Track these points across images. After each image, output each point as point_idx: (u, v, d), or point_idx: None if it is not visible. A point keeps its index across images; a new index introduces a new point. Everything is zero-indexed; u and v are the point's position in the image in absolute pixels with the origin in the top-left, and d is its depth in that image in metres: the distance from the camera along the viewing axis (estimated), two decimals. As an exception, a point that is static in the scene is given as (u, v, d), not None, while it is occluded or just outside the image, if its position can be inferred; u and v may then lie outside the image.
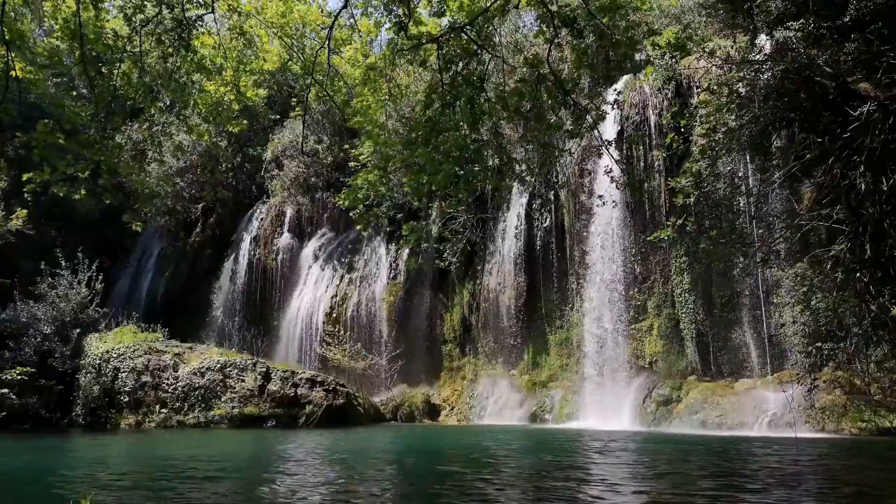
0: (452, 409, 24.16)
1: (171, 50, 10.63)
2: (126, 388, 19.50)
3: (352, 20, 13.22)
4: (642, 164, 21.55)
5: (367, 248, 28.53)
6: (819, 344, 11.86)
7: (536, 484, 8.98)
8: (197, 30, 11.13)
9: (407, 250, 26.71)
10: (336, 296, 27.71)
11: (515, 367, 23.97)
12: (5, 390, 18.10)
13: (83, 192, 10.95)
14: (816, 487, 8.67)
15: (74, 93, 22.21)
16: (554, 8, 10.34)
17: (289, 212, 31.40)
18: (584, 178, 22.90)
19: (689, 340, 19.80)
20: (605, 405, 20.26)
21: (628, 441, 15.01)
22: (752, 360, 18.79)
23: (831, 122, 8.45)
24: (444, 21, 11.77)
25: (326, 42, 11.76)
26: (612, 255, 21.59)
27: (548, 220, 24.00)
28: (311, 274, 29.26)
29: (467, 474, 10.05)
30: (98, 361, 19.96)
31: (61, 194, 10.62)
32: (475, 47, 10.10)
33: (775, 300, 17.64)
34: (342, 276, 28.20)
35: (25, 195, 12.87)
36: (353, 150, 25.53)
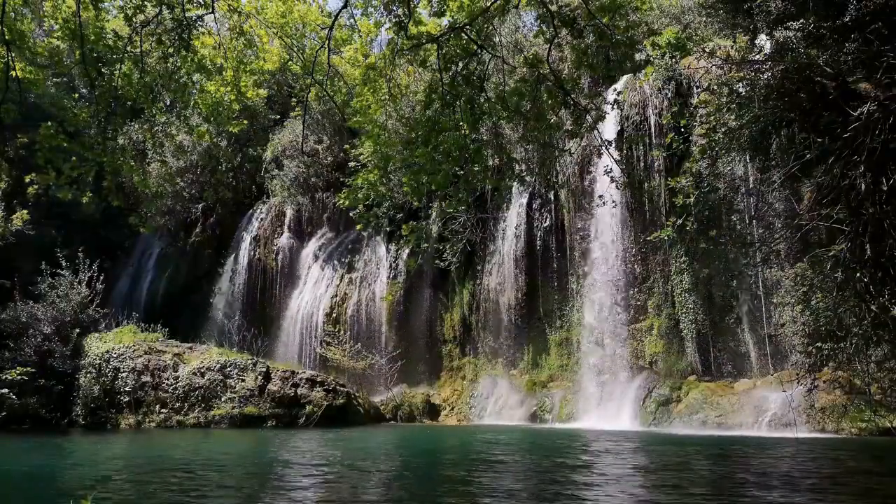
0: (452, 409, 24.16)
1: (171, 50, 10.62)
2: (126, 388, 19.49)
3: (352, 20, 13.21)
4: (642, 164, 21.55)
5: (367, 248, 28.53)
6: (819, 344, 11.85)
7: (537, 484, 8.98)
8: (197, 30, 11.11)
9: (407, 250, 26.71)
10: (336, 296, 27.72)
11: (515, 367, 23.97)
12: (5, 390, 18.10)
13: (88, 194, 10.96)
14: (816, 487, 8.67)
15: (76, 95, 22.20)
16: (554, 8, 10.34)
17: (289, 212, 31.40)
18: (584, 178, 22.90)
19: (689, 340, 19.80)
20: (605, 405, 20.26)
21: (628, 441, 15.02)
22: (752, 360, 18.79)
23: (831, 122, 8.44)
24: (444, 21, 11.77)
25: (326, 42, 11.76)
26: (612, 255, 21.59)
27: (548, 220, 24.00)
28: (311, 274, 29.27)
29: (467, 475, 10.05)
30: (98, 361, 19.95)
31: (66, 198, 10.63)
32: (475, 47, 10.10)
33: (775, 300, 17.64)
34: (342, 276, 28.20)
35: (28, 196, 12.88)
36: (353, 150, 25.54)
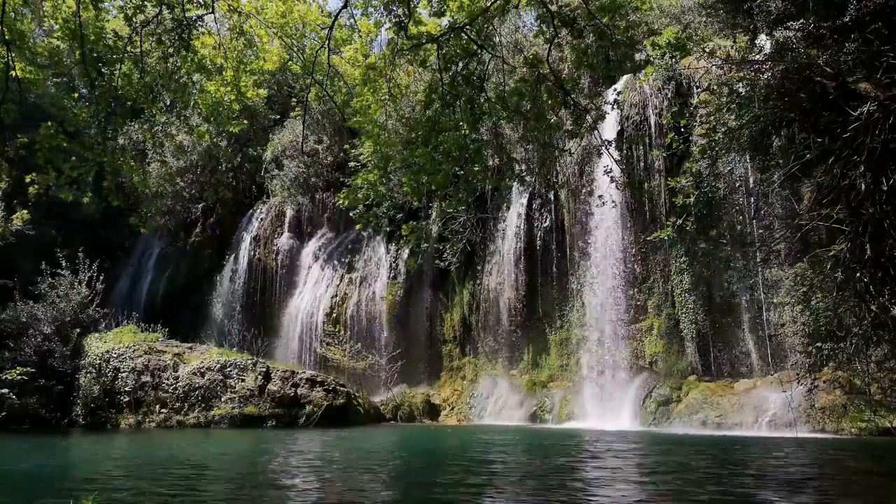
0: (452, 409, 24.16)
1: (171, 50, 10.62)
2: (126, 388, 19.50)
3: (352, 20, 13.22)
4: (642, 164, 21.55)
5: (367, 248, 28.53)
6: (819, 344, 11.84)
7: (536, 484, 8.98)
8: (197, 30, 11.11)
9: (407, 250, 26.71)
10: (336, 296, 27.72)
11: (515, 367, 23.97)
12: (5, 390, 18.10)
13: (88, 194, 10.98)
14: (817, 488, 8.67)
15: (76, 94, 22.21)
16: (554, 8, 10.35)
17: (289, 212, 31.41)
18: (584, 178, 22.90)
19: (689, 340, 19.80)
20: (605, 405, 20.26)
21: (628, 441, 15.02)
22: (752, 360, 18.78)
23: (831, 122, 8.44)
24: (444, 21, 11.77)
25: (326, 42, 11.76)
26: (612, 255, 21.59)
27: (548, 220, 24.00)
28: (311, 274, 29.27)
29: (467, 475, 10.05)
30: (98, 361, 19.96)
31: (67, 199, 10.66)
32: (475, 47, 10.10)
33: (775, 300, 17.65)
34: (342, 276, 28.20)
35: (28, 196, 12.88)
36: (353, 150, 25.54)
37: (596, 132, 12.21)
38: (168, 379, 19.92)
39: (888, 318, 8.63)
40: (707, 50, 13.43)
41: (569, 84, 11.33)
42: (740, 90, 10.28)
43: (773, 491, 8.16)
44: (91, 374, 19.66)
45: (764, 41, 12.99)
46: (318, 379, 20.81)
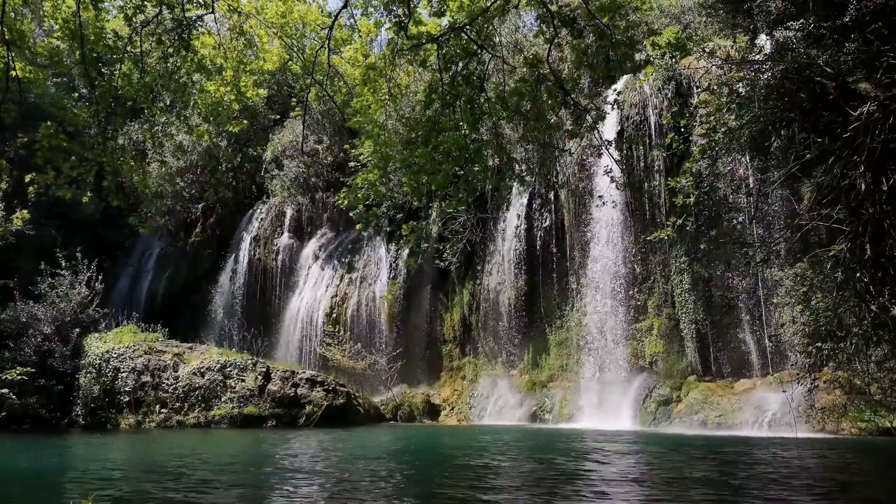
0: (452, 409, 24.15)
1: (171, 50, 10.62)
2: (126, 388, 19.49)
3: (352, 20, 13.21)
4: (642, 164, 21.55)
5: (367, 248, 28.53)
6: (819, 344, 11.84)
7: (537, 484, 8.98)
8: (197, 30, 11.11)
9: (407, 250, 26.71)
10: (336, 296, 27.72)
11: (515, 367, 23.97)
12: (5, 390, 18.10)
13: (88, 194, 10.99)
14: (816, 488, 8.67)
15: (76, 95, 22.22)
16: (554, 8, 10.35)
17: (289, 212, 31.41)
18: (584, 178, 22.91)
19: (689, 340, 19.80)
20: (605, 405, 20.26)
21: (628, 441, 15.02)
22: (752, 360, 18.78)
23: (831, 122, 8.44)
24: (444, 21, 11.77)
25: (326, 42, 11.76)
26: (612, 255, 21.59)
27: (548, 220, 24.00)
28: (311, 274, 29.27)
29: (466, 474, 10.05)
30: (98, 361, 19.95)
31: (66, 197, 10.67)
32: (475, 47, 10.10)
33: (775, 300, 17.64)
34: (342, 276, 28.20)
35: (28, 196, 12.88)
36: (353, 150, 25.54)
37: (596, 132, 12.22)
38: (168, 379, 19.92)
39: (888, 318, 8.63)
40: (707, 50, 13.41)
41: (569, 84, 11.32)
42: (740, 90, 10.28)
43: (771, 492, 8.16)
44: (91, 374, 19.66)
45: (764, 41, 12.98)
46: (318, 379, 20.81)
